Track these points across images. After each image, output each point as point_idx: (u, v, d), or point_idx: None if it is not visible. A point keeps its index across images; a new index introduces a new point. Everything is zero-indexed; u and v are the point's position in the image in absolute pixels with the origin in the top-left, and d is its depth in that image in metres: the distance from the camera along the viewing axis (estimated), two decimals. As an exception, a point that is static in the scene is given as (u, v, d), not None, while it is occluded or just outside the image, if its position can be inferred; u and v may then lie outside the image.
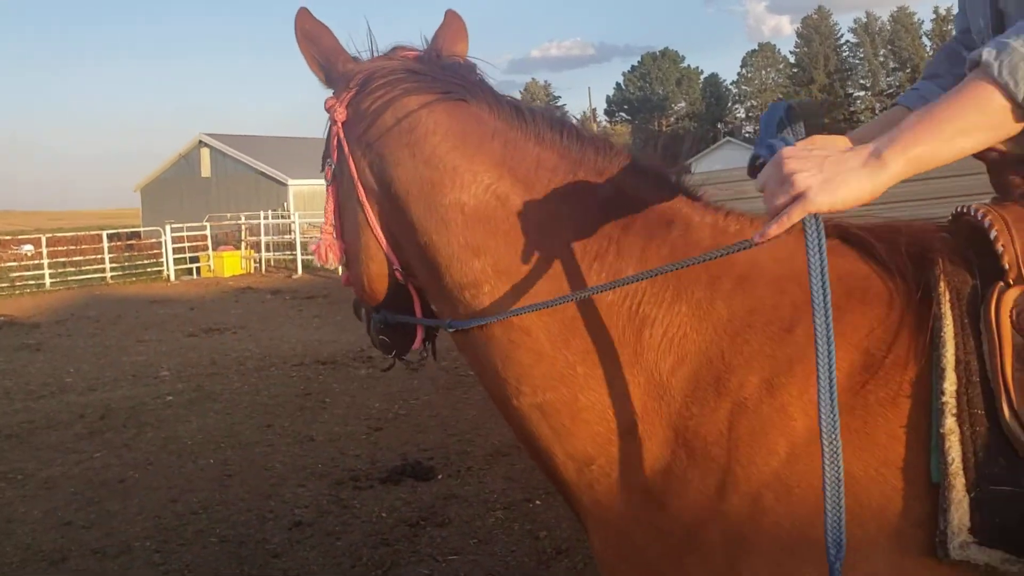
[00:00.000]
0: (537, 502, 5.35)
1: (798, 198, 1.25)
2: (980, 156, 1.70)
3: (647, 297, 1.57)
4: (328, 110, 1.83)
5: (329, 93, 1.89)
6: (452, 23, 1.99)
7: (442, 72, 1.79)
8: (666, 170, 1.72)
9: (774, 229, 1.27)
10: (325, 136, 1.88)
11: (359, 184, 1.77)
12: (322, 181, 1.94)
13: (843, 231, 1.61)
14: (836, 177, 1.25)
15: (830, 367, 1.25)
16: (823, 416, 1.25)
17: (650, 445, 1.52)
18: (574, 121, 1.77)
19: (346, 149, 1.78)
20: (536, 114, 1.73)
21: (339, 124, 1.79)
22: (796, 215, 1.26)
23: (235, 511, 5.46)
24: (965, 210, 1.55)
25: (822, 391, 1.25)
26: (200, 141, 46.77)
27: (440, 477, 5.96)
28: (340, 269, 2.00)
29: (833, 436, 1.24)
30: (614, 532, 1.58)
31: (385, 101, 1.73)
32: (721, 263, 1.55)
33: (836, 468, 1.24)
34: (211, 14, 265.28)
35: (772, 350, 1.48)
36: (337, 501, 5.58)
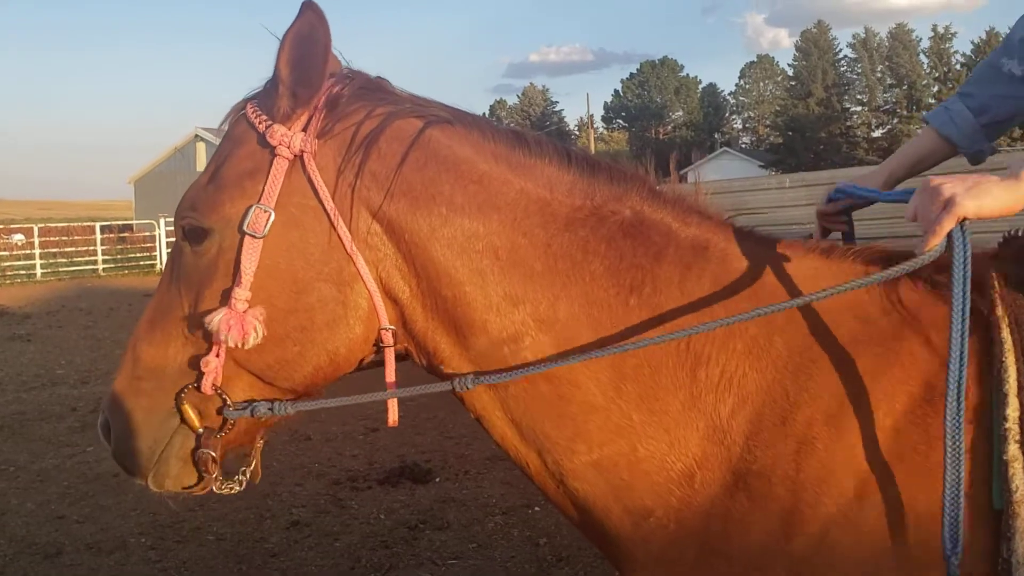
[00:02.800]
0: (536, 508, 5.31)
1: (948, 204, 1.35)
2: None
3: (696, 335, 1.49)
4: (278, 141, 1.47)
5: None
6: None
7: (410, 96, 1.61)
8: (683, 190, 1.65)
9: (932, 240, 1.36)
10: (246, 171, 1.50)
11: (348, 232, 1.47)
12: None
13: (892, 259, 1.57)
14: (978, 187, 1.35)
15: (960, 386, 1.32)
16: (949, 434, 1.32)
17: (710, 492, 1.46)
18: (578, 146, 1.64)
19: (321, 189, 1.47)
20: (535, 136, 1.62)
21: (309, 156, 1.48)
22: (947, 223, 1.35)
23: (232, 509, 5.39)
24: (1018, 234, 1.55)
25: (950, 412, 1.32)
26: (196, 135, 46.65)
27: (438, 480, 5.92)
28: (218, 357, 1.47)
29: (957, 448, 1.31)
30: None
31: (378, 127, 1.50)
32: (770, 297, 1.51)
33: (956, 473, 1.31)
34: (212, 6, 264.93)
35: (836, 386, 1.44)
36: (335, 501, 5.53)
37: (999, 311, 1.43)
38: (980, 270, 1.47)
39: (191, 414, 1.52)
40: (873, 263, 1.57)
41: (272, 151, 1.50)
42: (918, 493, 1.38)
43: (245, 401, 1.53)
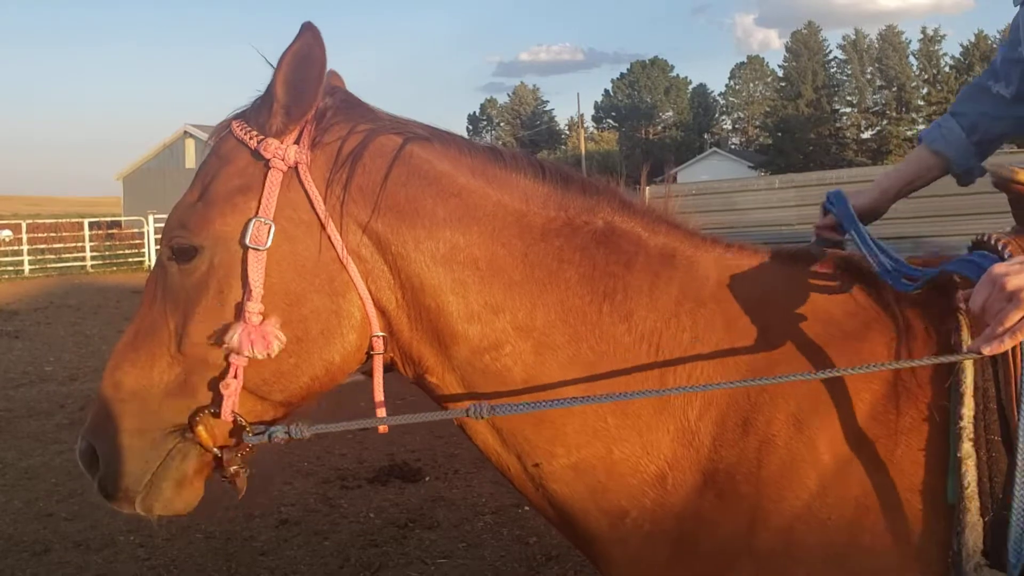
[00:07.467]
0: (525, 508, 5.33)
1: None
2: (1004, 188, 1.73)
3: (664, 340, 1.55)
4: (272, 154, 1.50)
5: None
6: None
7: (387, 114, 1.64)
8: (652, 201, 1.70)
9: (1008, 343, 1.30)
10: (236, 188, 1.51)
11: (341, 241, 1.50)
12: None
13: (858, 265, 1.63)
14: None
15: None
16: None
17: (681, 492, 1.52)
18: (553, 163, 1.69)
19: (316, 199, 1.50)
20: (510, 152, 1.67)
21: (304, 167, 1.51)
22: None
23: (221, 507, 5.38)
24: (985, 239, 1.58)
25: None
26: (185, 132, 46.47)
27: (428, 479, 5.92)
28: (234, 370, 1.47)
29: None
30: None
31: (361, 143, 1.53)
32: (734, 303, 1.57)
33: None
34: (201, 4, 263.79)
35: (796, 385, 1.49)
36: (324, 500, 5.54)
37: (961, 315, 1.47)
38: (944, 274, 1.51)
39: (204, 435, 1.51)
40: (838, 269, 1.64)
41: (266, 164, 1.52)
42: (880, 488, 1.43)
43: (258, 423, 1.53)
